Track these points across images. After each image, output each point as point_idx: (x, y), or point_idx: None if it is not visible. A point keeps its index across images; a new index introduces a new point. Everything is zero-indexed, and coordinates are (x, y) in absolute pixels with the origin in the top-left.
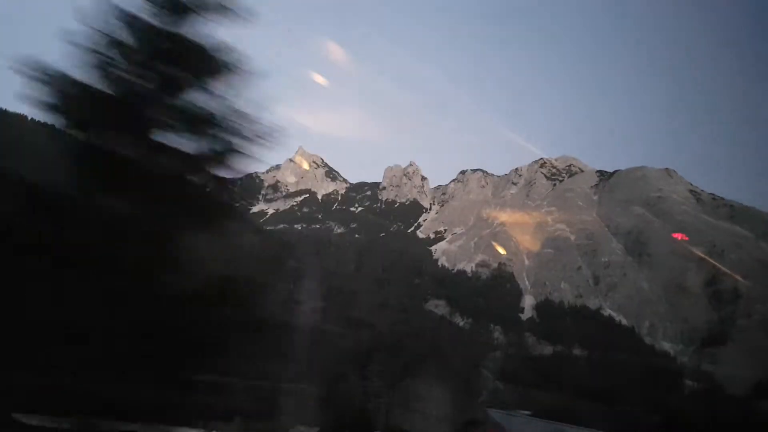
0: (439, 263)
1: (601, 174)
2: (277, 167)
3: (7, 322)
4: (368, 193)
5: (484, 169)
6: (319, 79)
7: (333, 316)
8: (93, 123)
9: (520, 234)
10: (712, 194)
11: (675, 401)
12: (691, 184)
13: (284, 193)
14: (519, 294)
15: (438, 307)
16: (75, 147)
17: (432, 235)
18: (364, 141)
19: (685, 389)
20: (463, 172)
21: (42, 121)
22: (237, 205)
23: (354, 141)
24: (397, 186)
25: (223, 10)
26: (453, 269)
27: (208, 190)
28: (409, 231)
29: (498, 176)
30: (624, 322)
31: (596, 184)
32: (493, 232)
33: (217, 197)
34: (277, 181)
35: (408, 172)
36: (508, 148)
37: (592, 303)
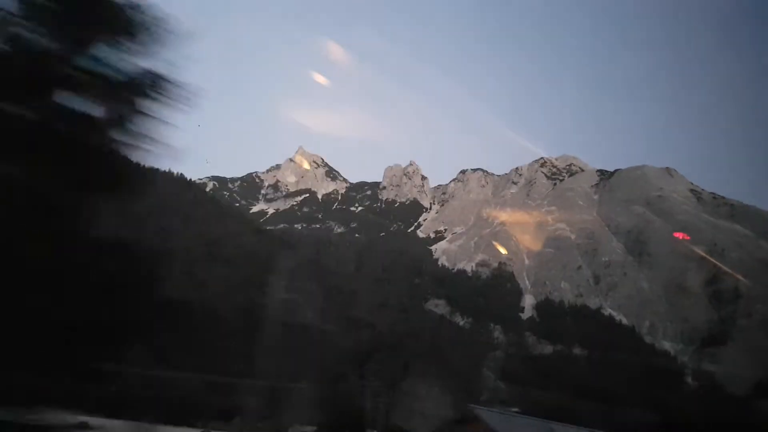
0: (439, 263)
1: (602, 173)
2: (278, 167)
3: None
4: (368, 192)
5: (485, 169)
6: (319, 79)
7: (333, 316)
8: None
9: (520, 233)
10: (713, 193)
11: (675, 401)
12: (692, 184)
13: (284, 193)
14: (519, 293)
15: (438, 306)
16: None
17: (432, 235)
18: (364, 140)
19: (685, 389)
20: (463, 172)
21: None
22: (145, 169)
23: (354, 140)
24: (397, 185)
25: None
26: (453, 269)
27: (113, 155)
28: (409, 230)
29: (498, 176)
30: (624, 321)
31: (596, 184)
32: (494, 232)
33: (124, 162)
34: (278, 181)
35: (408, 172)
36: (509, 147)
37: (593, 302)
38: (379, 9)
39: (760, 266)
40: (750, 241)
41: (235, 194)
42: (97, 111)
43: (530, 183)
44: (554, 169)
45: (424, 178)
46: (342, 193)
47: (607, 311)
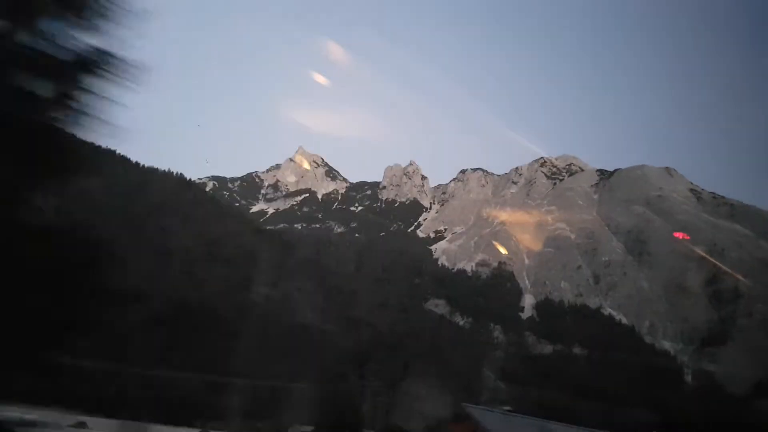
0: (439, 262)
1: (602, 173)
2: (278, 167)
3: None
4: (368, 192)
5: (485, 169)
6: (319, 79)
7: (333, 316)
8: None
9: (520, 233)
10: (713, 193)
11: (675, 400)
12: (692, 183)
13: (284, 193)
14: (519, 293)
15: (438, 306)
16: None
17: (432, 235)
18: (364, 140)
19: (685, 389)
20: (463, 172)
21: None
22: (90, 149)
23: (354, 140)
24: (397, 185)
25: None
26: (453, 268)
27: (59, 134)
28: (409, 230)
29: (498, 175)
30: (624, 321)
31: (596, 183)
32: (494, 232)
33: (70, 142)
34: (278, 181)
35: (408, 172)
36: (509, 147)
37: (592, 302)
38: (379, 9)
39: (760, 266)
40: (750, 241)
41: (235, 194)
42: (41, 89)
43: (530, 183)
44: (554, 169)
45: (424, 177)
46: (342, 193)
47: (607, 311)
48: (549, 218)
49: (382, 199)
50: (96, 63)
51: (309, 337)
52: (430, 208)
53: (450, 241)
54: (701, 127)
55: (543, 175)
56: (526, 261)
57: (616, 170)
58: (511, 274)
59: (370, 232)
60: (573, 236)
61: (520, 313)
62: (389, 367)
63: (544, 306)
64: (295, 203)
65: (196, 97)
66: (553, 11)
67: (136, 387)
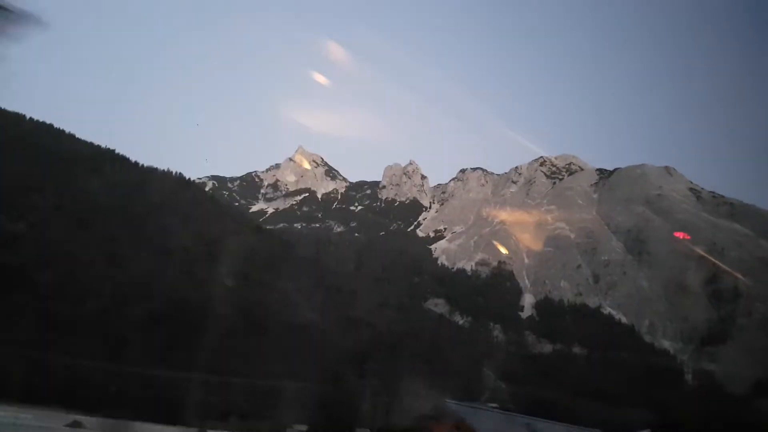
0: (439, 262)
1: (601, 172)
2: (277, 166)
3: None
4: (368, 191)
5: (484, 168)
6: (319, 78)
7: (332, 315)
8: None
9: (519, 232)
10: (712, 192)
11: (674, 400)
12: (691, 182)
13: (284, 192)
14: (519, 292)
15: (437, 305)
16: None
17: (432, 234)
18: (364, 140)
19: (684, 388)
20: (463, 171)
21: None
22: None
23: (354, 140)
24: (397, 185)
25: None
26: (453, 268)
27: None
28: (408, 230)
29: (498, 175)
30: (624, 320)
31: (596, 183)
32: (493, 231)
33: None
34: (277, 180)
35: (408, 171)
36: (508, 146)
37: (592, 301)
38: (379, 9)
39: (759, 265)
40: (750, 240)
41: (234, 193)
42: None
43: (530, 182)
44: (554, 168)
45: (423, 177)
46: (342, 193)
47: (607, 310)
48: (549, 217)
49: (381, 199)
50: None
51: (308, 337)
52: (430, 208)
53: (450, 241)
54: (701, 126)
55: (542, 174)
56: (526, 260)
57: (615, 169)
58: (511, 274)
59: (369, 231)
60: (573, 235)
61: (520, 313)
62: (389, 367)
63: (544, 305)
64: (294, 203)
65: (195, 97)
66: (553, 11)
67: (133, 386)
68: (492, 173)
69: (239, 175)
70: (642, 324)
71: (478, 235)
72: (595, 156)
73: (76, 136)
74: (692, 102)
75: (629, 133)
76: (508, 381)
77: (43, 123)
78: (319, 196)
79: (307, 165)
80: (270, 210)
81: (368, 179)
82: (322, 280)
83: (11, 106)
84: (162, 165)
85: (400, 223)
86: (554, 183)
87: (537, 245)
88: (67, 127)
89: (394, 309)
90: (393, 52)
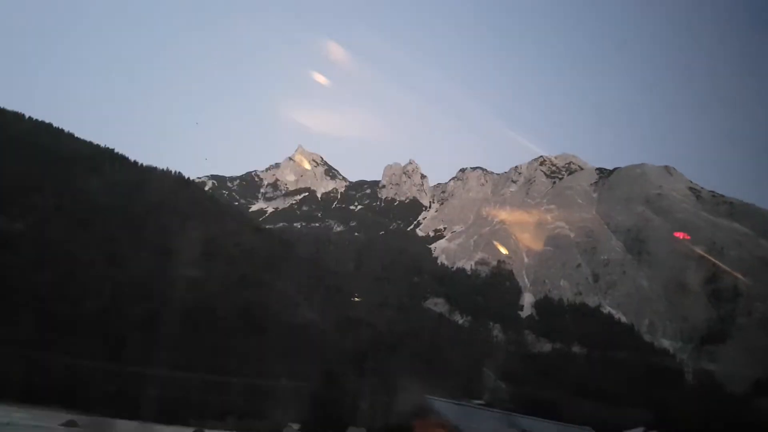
0: (439, 261)
1: (601, 171)
2: (277, 166)
3: None
4: (368, 191)
5: (484, 167)
6: (319, 78)
7: (332, 315)
8: None
9: (519, 232)
10: (712, 191)
11: (674, 399)
12: (691, 182)
13: (284, 192)
14: (518, 292)
15: (437, 305)
16: None
17: (431, 234)
18: (364, 139)
19: (684, 387)
20: (462, 170)
21: None
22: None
23: (353, 139)
24: (397, 184)
25: None
26: (452, 267)
27: None
28: (408, 229)
29: (497, 174)
30: (623, 319)
31: (596, 182)
32: (493, 230)
33: None
34: (277, 180)
35: (407, 170)
36: (508, 145)
37: (592, 301)
38: (379, 9)
39: (759, 264)
40: (749, 240)
41: (234, 193)
42: None
43: (529, 181)
44: (553, 168)
45: (423, 176)
46: (341, 192)
47: (606, 309)
48: (548, 217)
49: (381, 198)
50: None
51: (308, 336)
52: (430, 207)
53: (449, 240)
54: (701, 125)
55: (542, 173)
56: (526, 259)
57: (615, 169)
58: (511, 273)
59: (369, 231)
60: (572, 235)
61: (520, 312)
62: (388, 366)
63: (544, 304)
64: (294, 202)
65: (195, 96)
66: (553, 11)
67: (132, 386)
68: (492, 173)
69: (239, 174)
70: (642, 323)
71: (477, 234)
72: (595, 155)
73: (76, 135)
74: (692, 102)
75: (629, 132)
76: (508, 380)
77: (43, 122)
78: (319, 195)
79: (306, 164)
80: (269, 209)
81: (368, 179)
82: (321, 279)
83: (10, 105)
84: (161, 164)
85: (399, 222)
86: (554, 182)
87: (537, 244)
88: (67, 127)
89: (394, 308)
90: (393, 51)
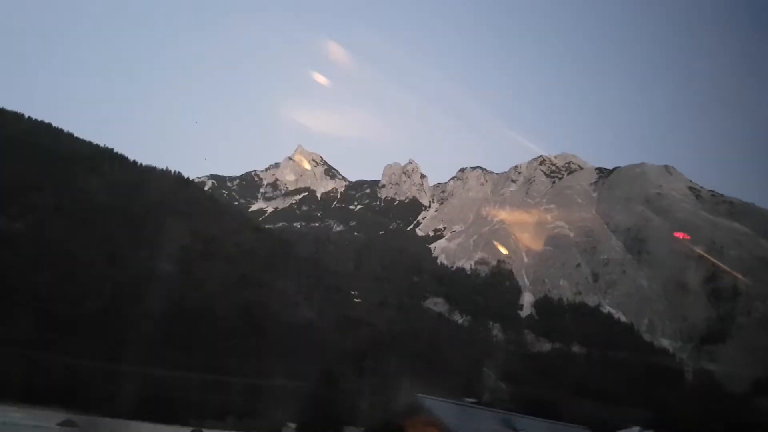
0: (438, 261)
1: (601, 171)
2: (277, 165)
3: None
4: (367, 191)
5: (484, 167)
6: (319, 78)
7: (332, 314)
8: None
9: (519, 231)
10: (712, 191)
11: (674, 398)
12: (691, 181)
13: (283, 192)
14: (518, 291)
15: (437, 304)
16: None
17: (431, 233)
18: (363, 139)
19: (684, 386)
20: (462, 170)
21: None
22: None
23: (353, 139)
24: (397, 184)
25: None
26: (452, 267)
27: None
28: (408, 229)
29: (497, 174)
30: (623, 319)
31: (595, 182)
32: (493, 230)
33: None
34: (276, 180)
35: (407, 170)
36: (508, 145)
37: (591, 300)
38: (379, 9)
39: (759, 264)
40: (749, 239)
41: (233, 193)
42: None
43: (529, 181)
44: (553, 167)
45: (423, 176)
46: (341, 192)
47: (606, 309)
48: (548, 216)
49: (381, 198)
50: None
51: (307, 336)
52: (429, 207)
53: (449, 240)
54: (700, 125)
55: (542, 173)
56: (525, 259)
57: (615, 168)
58: (510, 273)
59: (369, 230)
60: (572, 234)
61: (519, 312)
62: (387, 366)
63: (543, 304)
64: (294, 202)
65: (195, 96)
66: (552, 10)
67: (131, 385)
68: (491, 172)
69: (238, 174)
70: (641, 323)
71: (477, 234)
72: (595, 155)
73: (75, 135)
74: (692, 101)
75: (629, 132)
76: (507, 380)
77: (42, 122)
78: (319, 195)
79: (306, 164)
80: (269, 209)
81: (368, 178)
82: (321, 279)
83: (10, 105)
84: (161, 164)
85: (399, 222)
86: (554, 182)
87: (536, 244)
88: (66, 126)
89: (394, 308)
90: (392, 51)
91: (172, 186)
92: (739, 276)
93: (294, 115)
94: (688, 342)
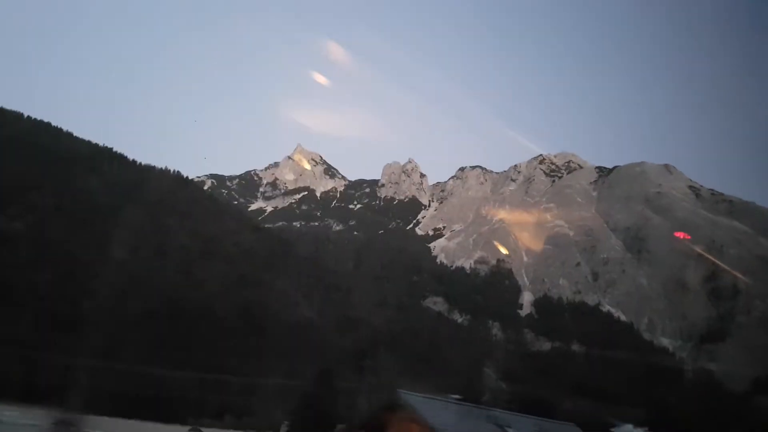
0: (438, 260)
1: (600, 170)
2: (276, 165)
3: None
4: (367, 190)
5: (483, 166)
6: (319, 78)
7: (331, 314)
8: None
9: (518, 231)
10: (712, 190)
11: (673, 397)
12: (691, 180)
13: (283, 191)
14: (518, 290)
15: (436, 304)
16: None
17: (431, 232)
18: (363, 138)
19: (683, 385)
20: (462, 169)
21: None
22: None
23: (353, 138)
24: (396, 183)
25: None
26: (452, 266)
27: None
28: (407, 228)
29: (497, 173)
30: (623, 318)
31: (595, 181)
32: (492, 229)
33: None
34: (276, 179)
35: (407, 169)
36: (507, 144)
37: (591, 299)
38: (379, 9)
39: (759, 263)
40: (749, 238)
41: (233, 192)
42: None
43: (529, 180)
44: (553, 166)
45: (422, 175)
46: (340, 191)
47: (606, 308)
48: (548, 216)
49: (380, 197)
50: None
51: (307, 335)
52: (429, 206)
53: (449, 239)
54: (700, 124)
55: (542, 172)
56: (525, 258)
57: (614, 167)
58: (510, 272)
59: (368, 230)
60: (572, 233)
61: (519, 311)
62: (387, 365)
63: (543, 303)
64: (293, 201)
65: (195, 96)
66: (552, 10)
67: (130, 385)
68: (491, 171)
69: (238, 173)
70: (641, 322)
71: (477, 233)
72: (595, 154)
73: (75, 134)
74: (692, 100)
75: (629, 131)
76: (507, 379)
77: (42, 121)
78: (318, 194)
79: (306, 163)
80: (269, 208)
81: (367, 178)
82: (320, 278)
83: (10, 105)
84: (160, 163)
85: (399, 221)
86: (553, 181)
87: (536, 243)
88: (66, 126)
89: (393, 307)
90: (393, 51)
91: (171, 185)
92: (739, 275)
93: (294, 115)
94: (687, 341)
